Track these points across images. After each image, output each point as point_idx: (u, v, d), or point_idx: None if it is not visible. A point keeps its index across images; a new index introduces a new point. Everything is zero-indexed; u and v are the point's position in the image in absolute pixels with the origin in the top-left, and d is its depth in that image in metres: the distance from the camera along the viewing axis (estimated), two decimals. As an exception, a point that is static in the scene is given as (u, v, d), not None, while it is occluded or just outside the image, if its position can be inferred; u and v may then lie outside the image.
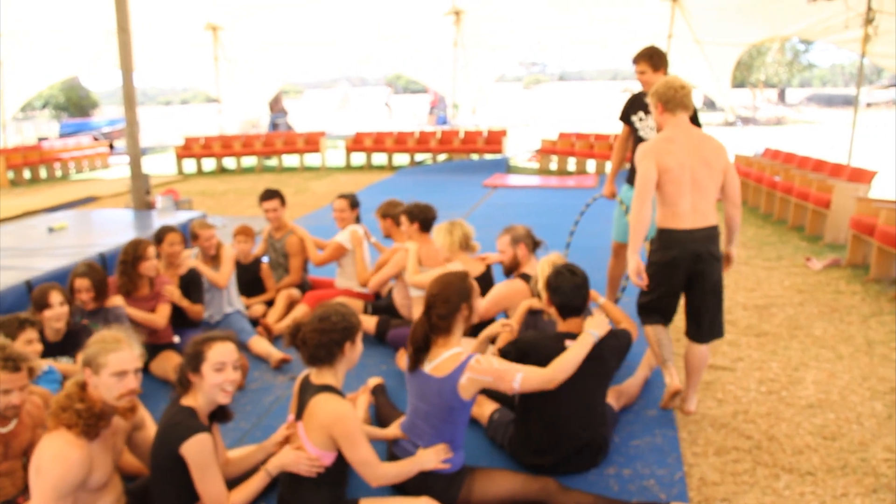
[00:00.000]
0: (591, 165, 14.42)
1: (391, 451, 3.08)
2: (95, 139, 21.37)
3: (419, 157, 16.23)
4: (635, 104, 4.86)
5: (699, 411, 3.86)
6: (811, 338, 4.95)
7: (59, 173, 17.22)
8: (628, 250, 3.47)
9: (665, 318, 3.60)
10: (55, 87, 32.97)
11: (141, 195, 8.36)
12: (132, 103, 8.20)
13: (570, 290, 3.26)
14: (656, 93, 3.57)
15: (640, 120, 4.84)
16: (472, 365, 2.83)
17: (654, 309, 3.59)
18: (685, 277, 3.48)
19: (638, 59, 4.63)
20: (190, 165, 16.96)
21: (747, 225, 8.79)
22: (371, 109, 37.52)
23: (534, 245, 4.30)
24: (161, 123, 37.06)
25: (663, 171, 3.41)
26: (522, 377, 2.84)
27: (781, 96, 43.69)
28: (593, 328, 3.13)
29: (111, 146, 21.22)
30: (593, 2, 12.93)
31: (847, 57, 46.04)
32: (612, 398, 3.67)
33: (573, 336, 3.18)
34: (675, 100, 3.52)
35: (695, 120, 4.21)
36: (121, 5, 8.22)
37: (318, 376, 2.74)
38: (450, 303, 2.88)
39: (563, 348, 3.08)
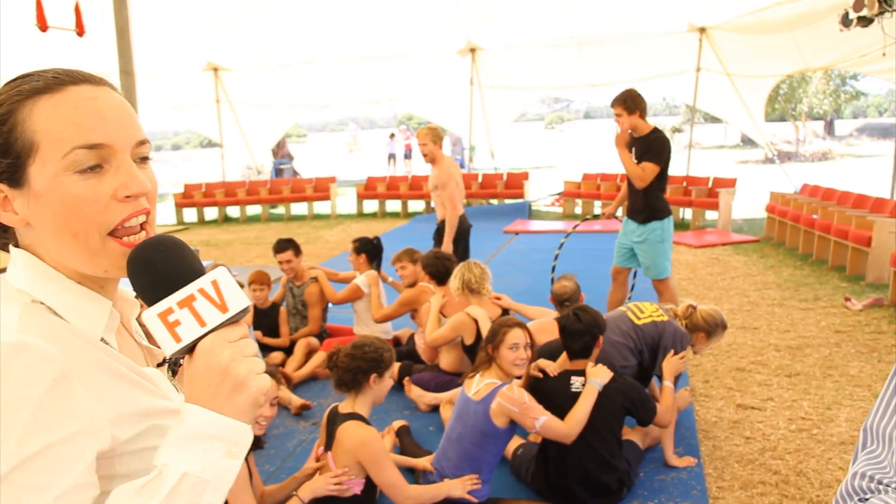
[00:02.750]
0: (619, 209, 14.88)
1: (418, 483, 3.49)
2: None
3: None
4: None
5: (726, 448, 4.23)
6: (846, 377, 5.30)
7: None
8: None
9: None
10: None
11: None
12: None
13: (572, 334, 3.77)
14: None
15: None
16: (503, 391, 3.36)
17: None
18: None
19: (614, 103, 5.60)
20: (190, 214, 17.61)
21: (783, 266, 9.18)
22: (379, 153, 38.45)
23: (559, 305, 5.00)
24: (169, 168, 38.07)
25: None
26: (545, 421, 3.36)
27: (829, 128, 44.11)
28: (596, 378, 3.61)
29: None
30: (616, 38, 13.54)
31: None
32: (639, 437, 4.08)
33: (578, 373, 3.68)
34: None
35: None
36: (124, 48, 8.84)
37: (345, 406, 3.18)
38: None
39: (568, 386, 3.62)
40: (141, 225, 1.02)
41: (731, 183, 12.87)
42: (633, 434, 4.04)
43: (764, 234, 11.36)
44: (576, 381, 3.65)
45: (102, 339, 1.03)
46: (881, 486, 1.22)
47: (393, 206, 17.03)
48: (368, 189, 17.03)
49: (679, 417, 4.55)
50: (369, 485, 3.11)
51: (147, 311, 0.93)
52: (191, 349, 0.94)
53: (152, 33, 11.23)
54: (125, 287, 1.12)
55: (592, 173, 15.78)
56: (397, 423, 4.40)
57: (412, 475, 3.67)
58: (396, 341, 5.92)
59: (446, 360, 5.08)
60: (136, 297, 1.08)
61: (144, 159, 1.04)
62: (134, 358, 1.09)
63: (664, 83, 15.02)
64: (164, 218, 18.06)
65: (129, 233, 1.00)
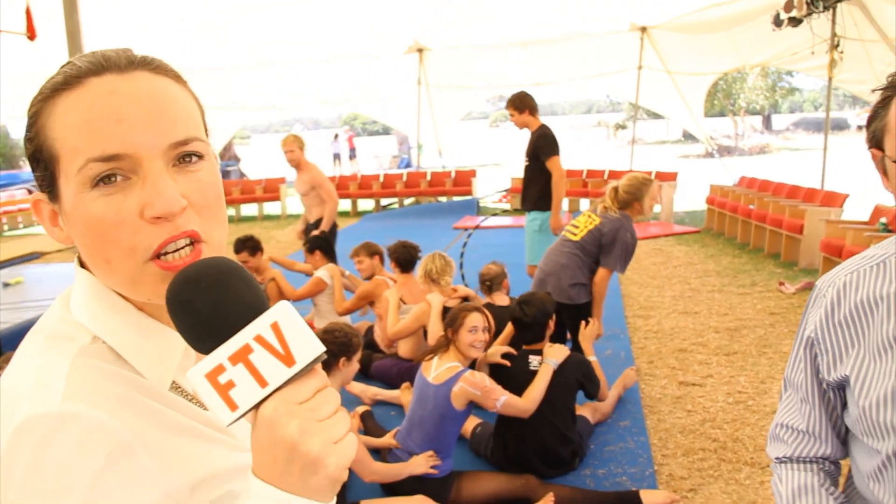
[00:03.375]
0: (564, 203, 15.26)
1: (385, 460, 3.72)
2: (30, 192, 21.81)
3: (385, 201, 16.99)
4: None
5: (669, 421, 4.56)
6: (779, 354, 5.69)
7: (-10, 231, 17.64)
8: None
9: None
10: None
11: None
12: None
13: (523, 326, 4.13)
14: None
15: None
16: (465, 377, 3.58)
17: None
18: None
19: (507, 105, 6.28)
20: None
21: (722, 255, 9.64)
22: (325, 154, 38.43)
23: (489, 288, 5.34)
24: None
25: None
26: (505, 400, 3.63)
27: (766, 123, 45.46)
28: (552, 357, 3.92)
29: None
30: (561, 38, 13.90)
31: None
32: (589, 412, 4.38)
33: (536, 353, 4.00)
34: None
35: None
36: (75, 51, 8.87)
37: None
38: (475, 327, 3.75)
39: (526, 364, 3.93)
40: (192, 243, 0.81)
41: (672, 177, 13.38)
42: (583, 409, 4.34)
43: (704, 225, 11.86)
44: (533, 360, 3.96)
45: (174, 383, 0.87)
46: (787, 429, 1.56)
47: (343, 205, 17.14)
48: (318, 189, 17.11)
49: (626, 394, 4.88)
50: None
51: (192, 371, 0.70)
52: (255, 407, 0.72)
53: (105, 35, 11.18)
54: None
55: (539, 170, 16.13)
56: (361, 408, 4.63)
57: (379, 455, 3.90)
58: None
59: (405, 348, 5.31)
60: None
61: (190, 161, 0.82)
62: None
63: (608, 81, 15.49)
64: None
65: (171, 252, 0.79)
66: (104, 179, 0.77)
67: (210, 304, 0.71)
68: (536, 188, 6.19)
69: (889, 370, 1.31)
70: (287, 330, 0.71)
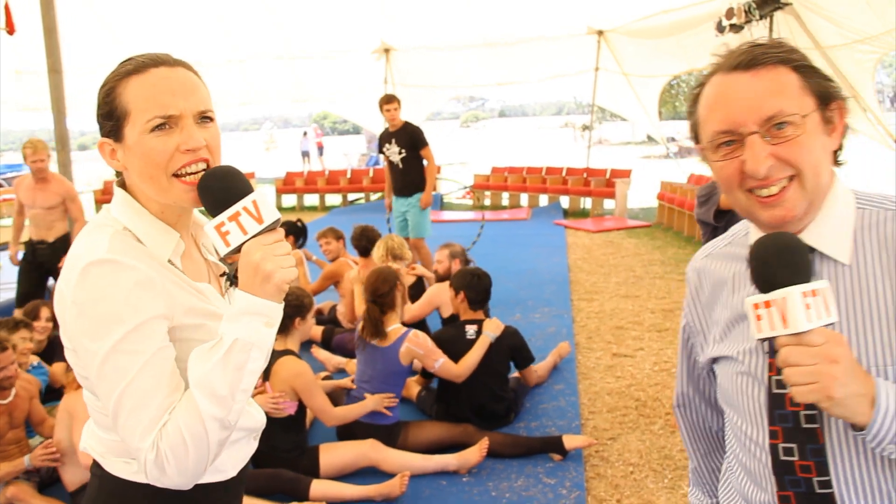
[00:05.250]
0: (524, 199, 15.83)
1: (345, 402, 4.24)
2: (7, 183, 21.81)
3: (352, 196, 17.43)
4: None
5: (599, 385, 5.10)
6: (706, 331, 6.25)
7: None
8: None
9: None
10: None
11: (74, 236, 9.29)
12: (65, 145, 9.18)
13: (477, 289, 4.62)
14: None
15: (387, 148, 7.56)
16: (410, 337, 4.11)
17: None
18: None
19: (391, 99, 7.61)
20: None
21: (669, 246, 10.25)
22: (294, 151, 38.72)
23: (465, 262, 5.79)
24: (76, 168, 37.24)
25: None
26: (443, 363, 4.18)
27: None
28: (490, 330, 4.44)
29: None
30: (523, 39, 14.42)
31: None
32: (525, 376, 4.91)
33: (473, 322, 4.53)
34: None
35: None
36: (52, 46, 9.20)
37: (278, 345, 3.88)
38: (387, 282, 4.16)
39: (463, 333, 4.46)
40: (204, 169, 1.36)
41: (626, 174, 14.00)
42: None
43: (655, 220, 12.48)
44: (469, 330, 4.49)
45: (170, 261, 1.40)
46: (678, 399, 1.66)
47: (311, 199, 17.57)
48: (287, 184, 17.49)
49: (562, 364, 5.43)
50: (300, 408, 3.82)
51: (207, 224, 1.30)
52: (238, 251, 1.29)
53: (78, 30, 11.51)
54: (200, 217, 1.54)
55: (501, 167, 16.70)
56: (323, 374, 5.12)
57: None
58: (319, 312, 6.60)
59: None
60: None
61: (206, 122, 1.39)
62: (198, 273, 1.49)
63: (569, 82, 16.06)
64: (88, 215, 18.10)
65: (188, 174, 1.35)
66: (159, 127, 1.33)
67: (220, 188, 1.31)
68: (415, 174, 7.60)
69: (732, 345, 1.38)
70: (261, 204, 1.28)
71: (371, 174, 17.38)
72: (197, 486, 1.33)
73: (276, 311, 1.30)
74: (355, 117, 19.46)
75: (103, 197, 17.43)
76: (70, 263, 1.31)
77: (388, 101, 7.56)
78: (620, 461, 4.04)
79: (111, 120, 1.37)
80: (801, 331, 1.08)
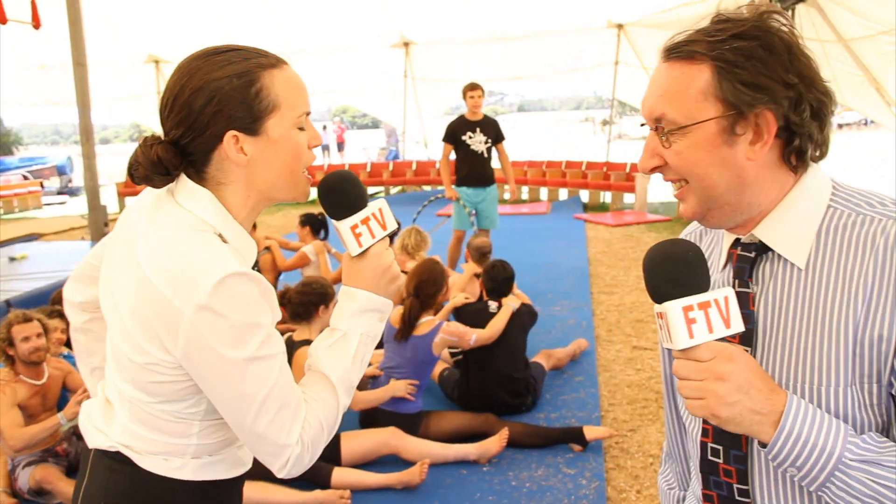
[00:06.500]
0: (543, 193, 15.82)
1: (368, 388, 4.30)
2: (25, 178, 22.13)
3: (372, 189, 17.49)
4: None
5: (619, 377, 5.10)
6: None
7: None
8: None
9: None
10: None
11: (100, 227, 9.39)
12: (89, 138, 9.29)
13: (500, 280, 4.83)
14: None
15: (470, 137, 7.45)
16: (444, 328, 4.20)
17: None
18: None
19: (476, 86, 7.45)
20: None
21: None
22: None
23: (483, 255, 5.92)
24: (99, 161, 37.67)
25: None
26: (476, 336, 4.29)
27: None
28: (511, 302, 4.65)
29: (41, 185, 22.01)
30: (540, 33, 14.40)
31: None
32: (543, 358, 5.01)
33: (494, 299, 4.78)
34: None
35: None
36: (77, 40, 9.30)
37: (299, 334, 3.92)
38: (436, 284, 4.28)
39: (486, 306, 4.70)
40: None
41: (646, 169, 13.91)
42: (539, 357, 4.98)
43: (675, 215, 12.41)
44: (492, 304, 4.73)
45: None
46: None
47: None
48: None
49: (582, 356, 5.44)
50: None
51: (342, 224, 1.40)
52: (364, 252, 1.41)
53: (92, 24, 11.60)
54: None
55: (520, 161, 16.67)
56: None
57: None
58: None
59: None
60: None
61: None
62: None
63: (587, 76, 16.02)
64: (109, 207, 18.31)
65: (309, 170, 1.45)
66: (301, 127, 1.38)
67: (356, 194, 1.41)
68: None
69: None
70: (385, 212, 1.42)
71: (391, 168, 17.42)
72: (229, 479, 1.45)
73: (389, 306, 1.46)
74: (375, 111, 19.51)
75: (126, 189, 17.57)
76: (181, 268, 1.26)
77: (473, 87, 7.38)
78: (640, 452, 4.05)
79: (250, 113, 1.32)
80: (682, 347, 1.03)
